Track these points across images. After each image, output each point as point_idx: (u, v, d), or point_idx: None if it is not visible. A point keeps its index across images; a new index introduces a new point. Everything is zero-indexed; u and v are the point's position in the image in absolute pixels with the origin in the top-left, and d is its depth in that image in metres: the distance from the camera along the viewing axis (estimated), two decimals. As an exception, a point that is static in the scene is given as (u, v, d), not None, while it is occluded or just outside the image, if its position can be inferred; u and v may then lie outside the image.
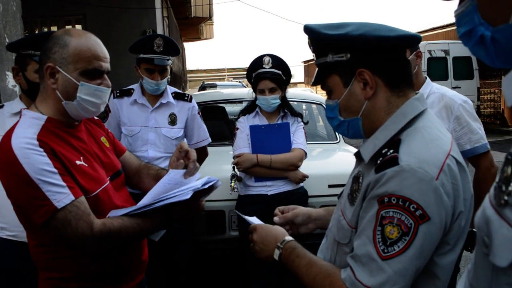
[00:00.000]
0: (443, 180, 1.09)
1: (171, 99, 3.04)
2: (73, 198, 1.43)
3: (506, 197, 0.72)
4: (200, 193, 1.62)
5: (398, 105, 1.23)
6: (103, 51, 1.59)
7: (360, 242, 1.13)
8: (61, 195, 1.42)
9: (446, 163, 1.11)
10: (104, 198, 1.59)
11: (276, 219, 1.63)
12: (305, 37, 1.36)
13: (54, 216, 1.41)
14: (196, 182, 1.62)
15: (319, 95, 5.55)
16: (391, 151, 1.15)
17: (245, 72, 3.32)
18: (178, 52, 3.01)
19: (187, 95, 3.16)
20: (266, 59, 2.99)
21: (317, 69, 1.35)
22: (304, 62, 34.33)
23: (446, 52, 13.47)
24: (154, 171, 1.90)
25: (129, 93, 3.06)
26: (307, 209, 1.65)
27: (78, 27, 9.68)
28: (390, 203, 1.08)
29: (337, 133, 4.53)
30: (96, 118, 1.82)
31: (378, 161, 1.16)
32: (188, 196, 1.53)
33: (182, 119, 3.05)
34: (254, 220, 1.61)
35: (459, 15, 0.86)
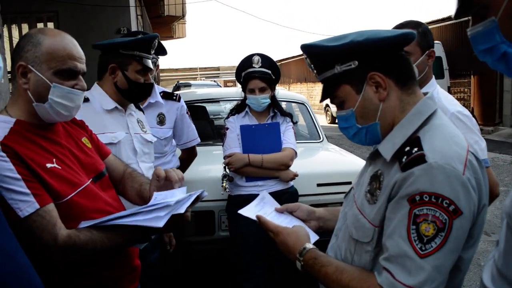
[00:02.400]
0: (468, 175, 1.13)
1: (160, 99, 2.98)
2: (37, 206, 1.36)
3: None
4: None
5: (409, 103, 1.27)
6: (79, 51, 1.54)
7: (393, 243, 1.13)
8: (24, 203, 1.35)
9: (468, 158, 1.15)
10: (80, 202, 1.51)
11: (277, 208, 1.66)
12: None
13: (19, 225, 1.34)
14: (178, 200, 1.47)
15: (300, 94, 5.58)
16: (416, 149, 1.17)
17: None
18: (164, 52, 2.95)
19: (175, 94, 3.12)
20: (256, 58, 2.98)
21: (323, 85, 1.37)
22: (277, 61, 34.43)
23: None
24: (137, 185, 1.82)
25: None
26: (310, 206, 1.67)
27: (50, 25, 9.44)
28: (422, 201, 1.10)
29: (320, 132, 4.55)
30: (78, 119, 1.76)
31: (403, 159, 1.17)
32: (161, 225, 1.40)
33: (170, 119, 3.01)
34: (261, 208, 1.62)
35: (475, 34, 0.96)
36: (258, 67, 2.98)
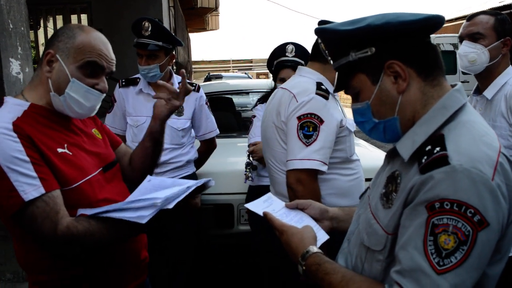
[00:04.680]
0: (498, 181, 0.98)
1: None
2: (43, 191, 1.33)
3: None
4: (191, 192, 1.46)
5: (434, 96, 1.13)
6: (110, 53, 1.53)
7: (406, 254, 1.00)
8: (30, 186, 1.32)
9: (498, 161, 1.01)
10: (88, 190, 1.48)
11: (287, 204, 1.52)
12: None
13: (22, 209, 1.32)
14: (167, 197, 1.38)
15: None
16: (438, 148, 1.02)
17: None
18: (168, 37, 2.81)
19: (194, 84, 3.05)
20: (290, 47, 2.89)
21: (337, 73, 1.25)
22: (310, 54, 34.07)
23: (455, 45, 13.30)
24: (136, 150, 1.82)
25: (135, 82, 2.95)
26: (323, 205, 1.54)
27: (84, 16, 9.59)
28: (442, 209, 0.96)
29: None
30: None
31: (423, 160, 1.04)
32: (144, 222, 1.32)
33: (189, 109, 2.94)
34: (266, 205, 1.49)
35: None
36: (292, 56, 2.89)
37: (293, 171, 1.94)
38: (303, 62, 2.88)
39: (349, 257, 1.26)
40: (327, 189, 2.03)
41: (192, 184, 1.45)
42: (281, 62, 2.90)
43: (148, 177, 1.61)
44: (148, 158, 1.79)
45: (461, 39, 2.28)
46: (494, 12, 2.23)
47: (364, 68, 1.16)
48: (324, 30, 1.21)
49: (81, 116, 1.56)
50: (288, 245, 1.31)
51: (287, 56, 2.89)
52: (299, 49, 2.91)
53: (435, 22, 1.14)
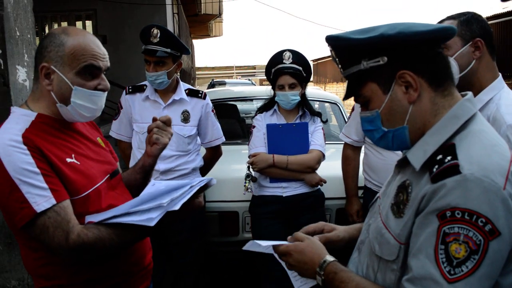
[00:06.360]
0: (510, 190, 0.99)
1: (184, 96, 2.93)
2: (54, 202, 1.36)
3: None
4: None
5: (444, 106, 1.13)
6: (101, 49, 1.53)
7: (418, 263, 1.01)
8: (41, 198, 1.34)
9: (510, 170, 1.01)
10: (96, 198, 1.50)
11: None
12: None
13: (33, 220, 1.34)
14: (172, 198, 1.40)
15: (332, 94, 5.44)
16: (449, 157, 1.03)
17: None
18: (176, 44, 2.82)
19: (201, 92, 3.06)
20: (287, 54, 2.89)
21: (347, 81, 1.25)
22: (314, 60, 34.06)
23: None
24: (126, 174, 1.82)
25: (141, 89, 2.96)
26: (324, 235, 1.46)
27: (89, 23, 9.66)
28: (454, 218, 0.97)
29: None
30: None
31: (434, 169, 1.04)
32: (152, 224, 1.35)
33: (195, 116, 2.95)
34: (271, 242, 1.40)
35: None
36: (289, 63, 2.89)
37: None
38: (300, 69, 2.90)
39: (360, 267, 1.26)
40: (364, 160, 2.95)
41: (195, 183, 1.46)
42: (279, 69, 2.90)
43: (152, 181, 1.63)
44: (135, 188, 1.78)
45: None
46: (457, 14, 1.91)
47: (375, 77, 1.17)
48: (336, 38, 1.21)
49: (91, 118, 1.58)
50: (300, 262, 1.29)
51: (284, 63, 2.89)
52: (296, 55, 2.92)
53: (447, 33, 1.15)
